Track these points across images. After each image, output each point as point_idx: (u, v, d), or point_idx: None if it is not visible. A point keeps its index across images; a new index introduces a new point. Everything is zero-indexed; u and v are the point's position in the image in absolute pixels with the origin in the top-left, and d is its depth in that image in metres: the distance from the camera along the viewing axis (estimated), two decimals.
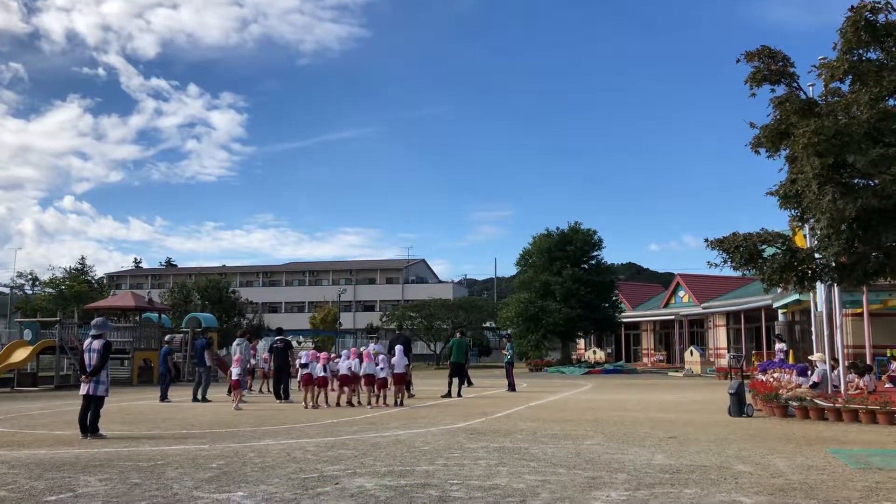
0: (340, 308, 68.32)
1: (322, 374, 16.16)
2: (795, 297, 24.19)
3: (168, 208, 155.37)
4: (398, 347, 16.72)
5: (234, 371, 16.45)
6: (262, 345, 26.26)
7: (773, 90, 12.29)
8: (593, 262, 45.63)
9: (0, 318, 61.79)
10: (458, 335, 22.16)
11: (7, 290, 64.43)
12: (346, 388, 16.26)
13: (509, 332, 38.67)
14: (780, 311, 29.80)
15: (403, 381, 16.87)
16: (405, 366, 16.77)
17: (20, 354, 26.01)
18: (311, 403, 15.94)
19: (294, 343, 30.12)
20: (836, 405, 12.54)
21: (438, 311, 53.88)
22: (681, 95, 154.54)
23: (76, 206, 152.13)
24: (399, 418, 13.39)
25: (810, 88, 12.90)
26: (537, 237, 45.78)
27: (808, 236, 14.64)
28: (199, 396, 18.21)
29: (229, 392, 18.03)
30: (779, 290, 25.42)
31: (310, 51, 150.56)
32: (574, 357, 48.01)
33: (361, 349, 17.26)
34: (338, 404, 16.09)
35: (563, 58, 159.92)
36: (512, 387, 21.82)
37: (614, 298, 46.07)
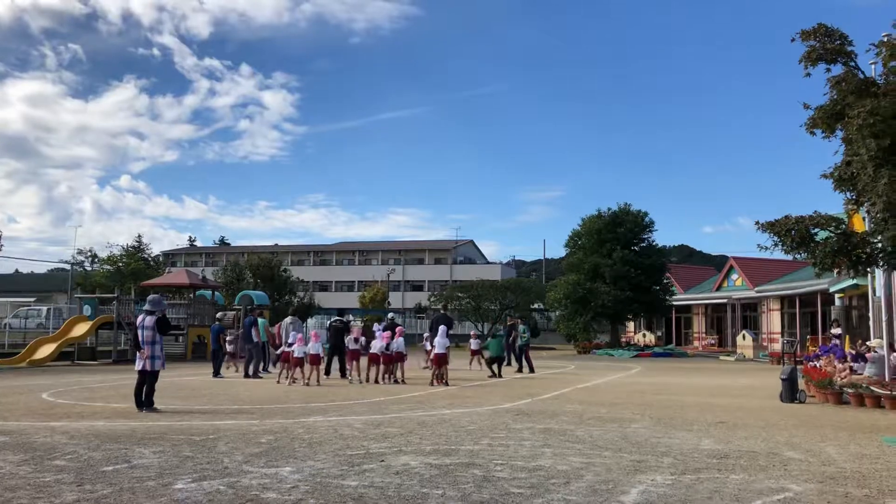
0: (389, 287, 68.79)
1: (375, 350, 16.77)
2: (853, 281, 23.59)
3: (221, 187, 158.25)
4: (441, 328, 16.73)
5: (298, 349, 16.37)
6: (311, 323, 26.62)
7: (828, 69, 11.91)
8: (644, 244, 45.02)
9: (62, 293, 63.80)
10: (493, 336, 21.93)
11: (68, 267, 66.37)
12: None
13: (519, 315, 38.39)
14: (836, 296, 29.09)
15: (446, 362, 16.81)
16: (446, 347, 16.77)
17: (80, 329, 26.86)
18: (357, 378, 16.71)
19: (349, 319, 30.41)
20: (894, 393, 12.22)
21: (486, 292, 53.89)
22: (736, 75, 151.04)
23: (132, 185, 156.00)
24: (445, 398, 13.48)
25: (871, 67, 12.49)
26: (587, 218, 45.32)
27: (866, 219, 14.24)
28: (251, 372, 18.58)
29: (274, 364, 18.31)
30: (835, 274, 24.82)
31: (361, 29, 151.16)
32: (623, 340, 47.61)
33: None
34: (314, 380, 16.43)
35: (617, 35, 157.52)
36: (520, 369, 21.52)
37: (665, 281, 45.47)
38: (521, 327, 22.99)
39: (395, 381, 16.66)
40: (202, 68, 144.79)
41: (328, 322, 21.55)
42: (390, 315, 23.48)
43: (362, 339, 18.17)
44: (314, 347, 16.37)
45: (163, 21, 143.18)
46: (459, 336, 46.22)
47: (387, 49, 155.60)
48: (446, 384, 16.23)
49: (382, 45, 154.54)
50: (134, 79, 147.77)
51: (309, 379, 16.30)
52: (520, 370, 21.42)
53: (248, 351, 19.47)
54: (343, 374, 17.96)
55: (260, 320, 19.98)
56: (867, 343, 15.90)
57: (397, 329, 17.84)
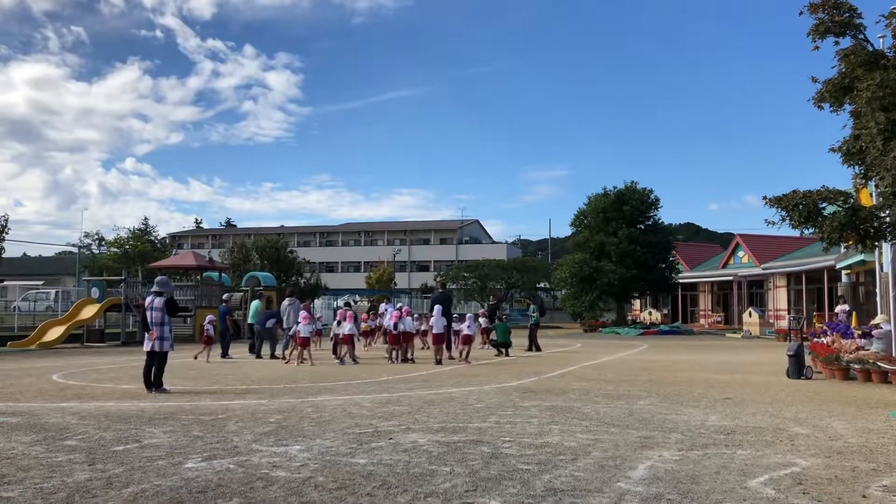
0: (395, 268, 68.86)
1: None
2: (860, 257, 23.52)
3: (227, 169, 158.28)
4: (437, 308, 16.77)
5: (305, 329, 16.41)
6: (319, 304, 26.67)
7: (837, 42, 11.80)
8: (650, 222, 44.98)
9: (70, 276, 64.06)
10: (497, 320, 21.89)
11: (75, 250, 66.63)
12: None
13: (529, 294, 38.38)
14: (843, 272, 29.02)
15: (443, 341, 16.89)
16: (444, 326, 16.82)
17: (88, 311, 27.00)
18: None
19: (351, 302, 30.54)
20: None
21: (492, 272, 53.93)
22: (743, 50, 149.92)
23: (138, 168, 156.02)
24: (453, 376, 13.53)
25: (880, 41, 12.36)
26: (593, 197, 45.26)
27: (873, 194, 14.16)
28: (269, 354, 18.67)
29: (286, 347, 18.21)
30: (842, 249, 24.71)
31: (364, 8, 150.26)
32: (629, 318, 47.67)
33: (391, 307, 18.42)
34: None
35: (620, 11, 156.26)
36: (530, 348, 21.44)
37: (671, 259, 45.44)
38: (531, 307, 23.08)
39: (405, 360, 16.73)
40: (205, 49, 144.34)
41: (335, 305, 21.69)
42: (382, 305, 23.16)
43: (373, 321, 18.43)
44: (347, 328, 16.74)
45: (165, 2, 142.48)
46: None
47: (390, 28, 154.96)
48: (461, 358, 16.47)
49: (386, 23, 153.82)
50: (137, 61, 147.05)
51: (345, 356, 16.75)
52: (529, 349, 21.45)
53: (256, 332, 19.56)
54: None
55: (254, 303, 19.96)
56: (873, 321, 15.88)
57: (404, 309, 17.91)
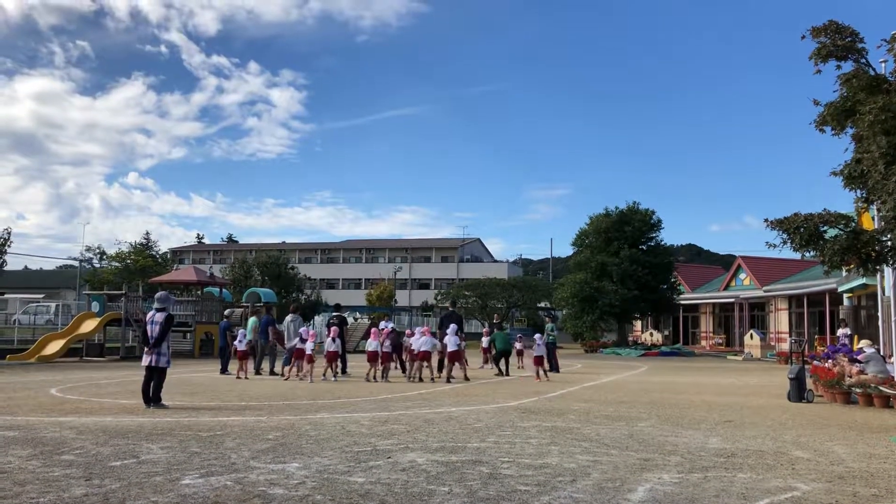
0: (396, 285, 68.85)
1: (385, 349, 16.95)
2: (862, 281, 23.50)
3: (229, 185, 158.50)
4: (452, 326, 16.83)
5: (309, 345, 16.37)
6: (318, 321, 26.52)
7: (839, 66, 11.85)
8: (651, 242, 45.00)
9: (70, 290, 64.10)
10: (495, 329, 21.78)
11: (76, 264, 66.69)
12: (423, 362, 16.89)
13: (552, 311, 38.43)
14: (845, 296, 29.00)
15: (458, 359, 16.94)
16: (457, 344, 16.83)
17: (88, 325, 26.94)
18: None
19: (351, 319, 30.45)
20: None
21: (493, 291, 53.93)
22: (745, 71, 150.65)
23: (140, 182, 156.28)
24: (452, 395, 13.48)
25: (882, 65, 12.42)
26: (594, 217, 45.33)
27: (875, 218, 14.16)
28: (268, 370, 18.56)
29: (287, 363, 18.04)
30: (843, 273, 24.68)
31: (368, 27, 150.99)
32: (630, 339, 47.54)
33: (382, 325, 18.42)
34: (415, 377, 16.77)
35: (622, 32, 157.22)
36: (555, 368, 20.81)
37: (673, 280, 45.40)
38: (548, 325, 22.86)
39: (421, 380, 16.65)
40: (210, 66, 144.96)
41: (328, 318, 21.49)
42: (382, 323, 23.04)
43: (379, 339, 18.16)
44: (373, 345, 16.74)
45: (170, 18, 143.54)
46: (470, 334, 46.27)
47: (394, 46, 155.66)
48: (466, 378, 16.55)
49: (390, 42, 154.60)
50: (142, 76, 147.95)
51: (325, 374, 16.62)
52: (556, 370, 20.80)
53: (259, 347, 19.49)
54: (344, 371, 17.97)
55: (251, 319, 19.91)
56: (857, 345, 15.81)
57: (425, 328, 17.78)
